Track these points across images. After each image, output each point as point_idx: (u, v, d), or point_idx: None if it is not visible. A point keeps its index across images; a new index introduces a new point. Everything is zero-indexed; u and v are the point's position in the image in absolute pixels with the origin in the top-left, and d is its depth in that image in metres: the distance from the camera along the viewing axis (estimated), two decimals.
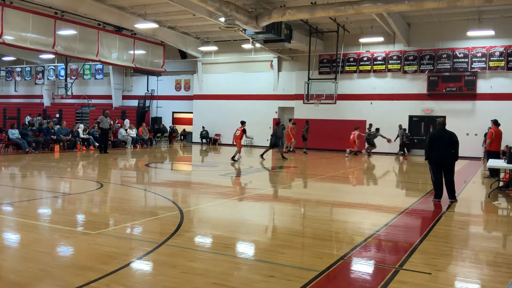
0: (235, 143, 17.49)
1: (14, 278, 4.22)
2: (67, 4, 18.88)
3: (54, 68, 32.71)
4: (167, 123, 30.42)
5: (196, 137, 29.00)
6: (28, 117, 28.05)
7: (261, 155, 18.45)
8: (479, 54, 21.70)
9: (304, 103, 23.33)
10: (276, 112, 26.58)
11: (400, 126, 21.92)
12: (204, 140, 28.46)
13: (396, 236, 6.29)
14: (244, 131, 17.27)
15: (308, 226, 6.90)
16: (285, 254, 5.15)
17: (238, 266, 4.80)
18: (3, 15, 17.47)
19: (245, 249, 5.52)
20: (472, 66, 21.85)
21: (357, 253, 5.27)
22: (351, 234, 6.33)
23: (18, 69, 34.71)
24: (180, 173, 15.11)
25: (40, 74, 33.47)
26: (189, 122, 30.20)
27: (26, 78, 34.60)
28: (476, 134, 21.28)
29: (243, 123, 17.56)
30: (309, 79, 22.93)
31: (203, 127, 28.41)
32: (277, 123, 19.72)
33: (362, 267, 4.88)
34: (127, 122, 25.87)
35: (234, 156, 16.99)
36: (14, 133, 18.06)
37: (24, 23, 18.56)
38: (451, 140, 8.81)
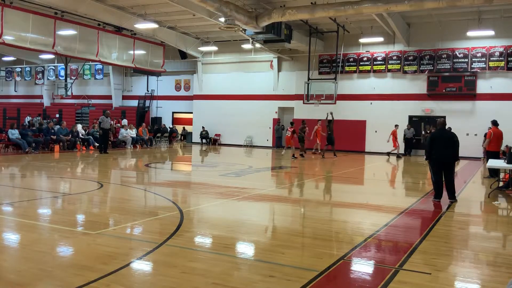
0: (288, 145, 18.98)
1: (14, 278, 4.22)
2: (67, 4, 18.88)
3: (54, 68, 32.70)
4: (167, 123, 30.42)
5: (196, 137, 28.99)
6: (28, 117, 28.06)
7: (335, 154, 19.96)
8: (479, 54, 21.69)
9: (304, 103, 23.28)
10: (276, 112, 26.57)
11: (408, 126, 22.50)
12: (204, 140, 28.45)
13: (396, 236, 6.29)
14: (293, 132, 18.86)
15: (308, 226, 6.89)
16: (285, 254, 5.15)
17: (238, 266, 4.80)
18: (3, 15, 17.46)
19: (245, 249, 5.52)
20: (472, 66, 21.84)
21: (357, 253, 5.27)
22: (351, 234, 6.33)
23: (18, 69, 34.71)
24: (180, 173, 15.11)
25: (40, 74, 33.45)
26: (189, 122, 30.20)
27: (26, 78, 34.59)
28: (476, 134, 21.27)
29: (292, 123, 19.16)
30: (309, 79, 22.90)
31: (203, 127, 28.40)
32: (329, 120, 20.33)
33: (362, 267, 4.88)
34: (125, 122, 25.86)
35: (293, 154, 18.64)
36: (14, 133, 18.06)
37: (24, 23, 18.56)
38: (452, 140, 8.81)
